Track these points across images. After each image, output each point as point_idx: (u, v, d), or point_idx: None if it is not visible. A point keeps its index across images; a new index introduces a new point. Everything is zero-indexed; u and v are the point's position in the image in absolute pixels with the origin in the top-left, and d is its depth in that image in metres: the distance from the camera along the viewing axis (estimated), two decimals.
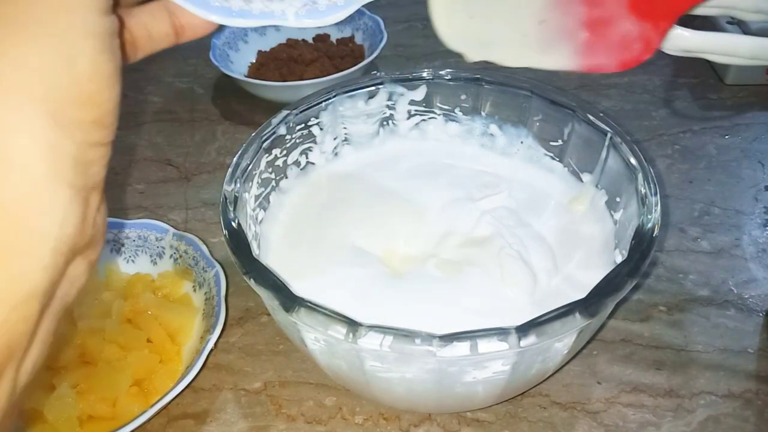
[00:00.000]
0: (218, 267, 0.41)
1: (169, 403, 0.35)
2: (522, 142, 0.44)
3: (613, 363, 0.39)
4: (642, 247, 0.31)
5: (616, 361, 0.40)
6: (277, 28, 0.69)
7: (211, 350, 0.38)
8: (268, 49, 0.67)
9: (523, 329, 0.27)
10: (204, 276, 0.42)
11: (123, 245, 0.45)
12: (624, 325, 0.42)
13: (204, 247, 0.43)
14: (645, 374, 0.39)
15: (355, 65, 0.60)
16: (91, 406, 0.36)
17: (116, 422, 0.35)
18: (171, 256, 0.44)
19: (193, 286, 0.43)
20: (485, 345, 0.27)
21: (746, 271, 0.45)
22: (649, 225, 0.32)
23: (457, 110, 0.45)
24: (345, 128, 0.45)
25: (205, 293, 0.41)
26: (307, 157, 0.44)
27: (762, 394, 0.37)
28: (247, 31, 0.68)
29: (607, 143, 0.38)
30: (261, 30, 0.68)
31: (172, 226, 0.45)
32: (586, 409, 0.37)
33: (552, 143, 0.43)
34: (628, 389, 0.38)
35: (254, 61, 0.66)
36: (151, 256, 0.44)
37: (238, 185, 0.36)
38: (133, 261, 0.45)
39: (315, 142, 0.44)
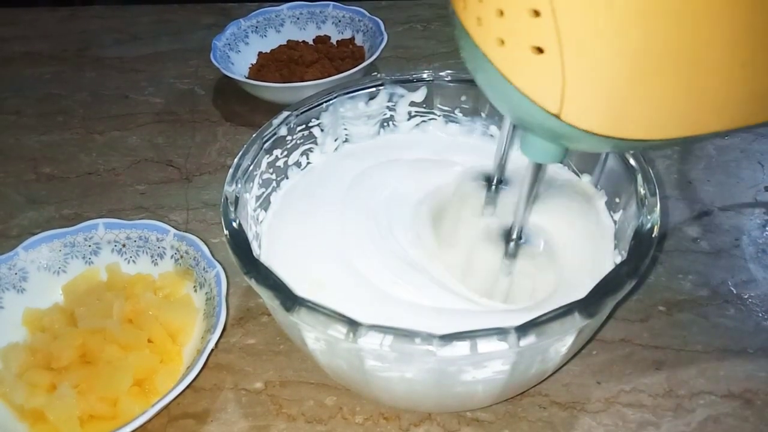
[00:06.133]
0: (219, 267, 0.41)
1: (170, 403, 0.35)
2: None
3: (612, 363, 0.40)
4: (641, 248, 0.31)
5: (616, 361, 0.40)
6: (277, 29, 0.69)
7: (212, 350, 0.38)
8: (268, 51, 0.67)
9: (523, 329, 0.27)
10: (205, 276, 0.42)
11: (124, 246, 0.45)
12: (624, 325, 0.42)
13: (205, 248, 0.43)
14: (644, 374, 0.39)
15: (355, 66, 0.60)
16: (92, 406, 0.36)
17: (117, 422, 0.35)
18: (172, 256, 0.44)
19: (194, 287, 0.43)
20: (485, 345, 0.27)
21: (746, 272, 0.45)
22: (649, 225, 0.32)
23: (457, 111, 0.45)
24: (345, 129, 0.45)
25: (206, 293, 0.41)
26: (308, 158, 0.44)
27: (762, 394, 0.38)
28: (248, 32, 0.68)
29: None
30: (262, 31, 0.69)
31: (173, 226, 0.45)
32: (585, 408, 0.37)
33: None
34: (627, 389, 0.38)
35: (255, 62, 0.67)
36: (152, 256, 0.45)
37: (239, 186, 0.36)
38: (134, 261, 0.45)
39: (316, 143, 0.44)
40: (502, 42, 0.24)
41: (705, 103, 0.24)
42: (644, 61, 0.22)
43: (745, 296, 0.43)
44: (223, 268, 0.41)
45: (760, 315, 0.42)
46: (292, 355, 0.41)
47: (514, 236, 0.34)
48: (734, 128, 0.26)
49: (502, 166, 0.37)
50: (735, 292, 0.43)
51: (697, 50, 0.22)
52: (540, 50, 0.23)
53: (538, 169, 0.31)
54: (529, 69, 0.23)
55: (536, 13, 0.22)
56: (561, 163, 0.43)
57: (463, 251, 0.37)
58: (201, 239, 0.43)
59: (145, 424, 0.34)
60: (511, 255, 0.34)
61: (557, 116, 0.24)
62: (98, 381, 0.37)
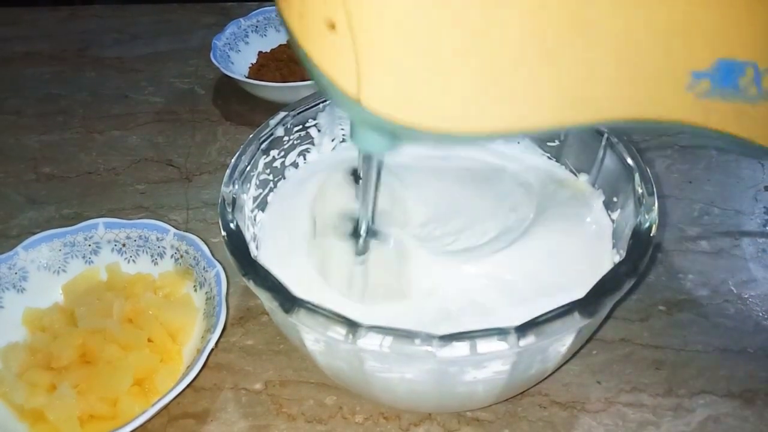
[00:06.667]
0: (219, 267, 0.41)
1: (170, 402, 0.35)
2: (519, 143, 0.44)
3: (612, 362, 0.40)
4: (640, 247, 0.31)
5: (616, 361, 0.40)
6: (277, 28, 0.69)
7: (212, 350, 0.38)
8: (268, 50, 0.67)
9: (523, 329, 0.27)
10: (205, 276, 0.42)
11: (124, 245, 0.45)
12: (624, 325, 0.42)
13: (205, 247, 0.43)
14: (644, 374, 0.39)
15: None
16: (92, 406, 0.36)
17: (117, 422, 0.35)
18: (172, 256, 0.44)
19: (194, 286, 0.43)
20: (485, 345, 0.27)
21: (746, 271, 0.45)
22: (647, 225, 0.32)
23: None
24: (342, 129, 0.45)
25: (206, 293, 0.41)
26: (305, 159, 0.44)
27: (762, 394, 0.37)
28: (248, 32, 0.68)
29: (603, 143, 0.38)
30: (262, 31, 0.69)
31: (173, 226, 0.45)
32: (585, 408, 0.37)
33: (549, 144, 0.43)
34: (627, 389, 0.38)
35: (255, 61, 0.67)
36: (152, 256, 0.45)
37: (237, 186, 0.36)
38: (134, 261, 0.45)
39: (313, 144, 0.44)
40: (302, 15, 0.22)
41: (507, 97, 0.22)
42: (437, 46, 0.21)
43: (746, 296, 0.43)
44: (223, 268, 0.41)
45: (761, 315, 0.42)
46: (292, 354, 0.41)
47: (363, 231, 0.33)
48: (552, 126, 0.24)
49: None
50: (735, 291, 0.43)
51: (493, 38, 0.21)
52: (332, 25, 0.21)
53: (368, 158, 0.29)
54: (325, 46, 0.22)
55: None
56: (558, 162, 0.43)
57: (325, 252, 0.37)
58: (201, 239, 0.43)
59: (145, 423, 0.34)
60: (361, 251, 0.34)
61: (357, 100, 0.22)
62: (98, 381, 0.37)
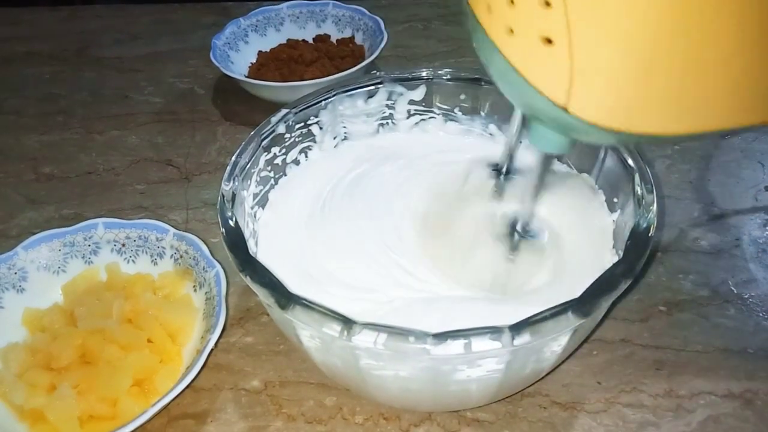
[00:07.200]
0: (219, 267, 0.41)
1: (170, 403, 0.35)
2: (521, 143, 0.44)
3: (612, 363, 0.39)
4: (637, 247, 0.31)
5: (616, 361, 0.40)
6: (277, 28, 0.69)
7: (212, 350, 0.38)
8: (268, 50, 0.67)
9: (517, 328, 0.27)
10: (204, 276, 0.42)
11: (124, 245, 0.45)
12: (624, 325, 0.42)
13: (204, 248, 0.43)
14: (645, 374, 0.39)
15: (355, 65, 0.60)
16: (92, 406, 0.36)
17: (117, 422, 0.35)
18: (171, 256, 0.44)
19: (194, 286, 0.43)
20: (479, 343, 0.27)
21: (746, 271, 0.45)
22: (645, 225, 0.32)
23: (456, 110, 0.45)
24: (345, 127, 0.45)
25: (206, 293, 0.41)
26: (306, 156, 0.44)
27: (762, 394, 0.37)
28: (247, 31, 0.68)
29: None
30: (262, 30, 0.69)
31: (172, 226, 0.45)
32: (585, 409, 0.37)
33: None
34: (627, 389, 0.38)
35: (254, 61, 0.67)
36: (151, 256, 0.45)
37: (237, 183, 0.36)
38: (133, 261, 0.45)
39: (315, 141, 0.44)
40: (512, 31, 0.24)
41: (714, 101, 0.24)
42: (652, 57, 0.22)
43: (746, 296, 0.43)
44: (223, 268, 0.41)
45: (761, 315, 0.42)
46: (292, 355, 0.41)
47: (519, 228, 0.34)
48: (745, 126, 0.26)
49: (511, 155, 0.37)
50: (735, 291, 0.43)
51: (706, 49, 0.22)
52: (549, 41, 0.23)
53: (547, 158, 0.31)
54: (538, 60, 0.23)
55: (547, 4, 0.22)
56: (560, 161, 0.43)
57: (462, 242, 0.37)
58: (200, 239, 0.43)
59: (144, 424, 0.34)
60: (515, 248, 0.34)
61: (564, 108, 0.24)
62: (98, 381, 0.37)
